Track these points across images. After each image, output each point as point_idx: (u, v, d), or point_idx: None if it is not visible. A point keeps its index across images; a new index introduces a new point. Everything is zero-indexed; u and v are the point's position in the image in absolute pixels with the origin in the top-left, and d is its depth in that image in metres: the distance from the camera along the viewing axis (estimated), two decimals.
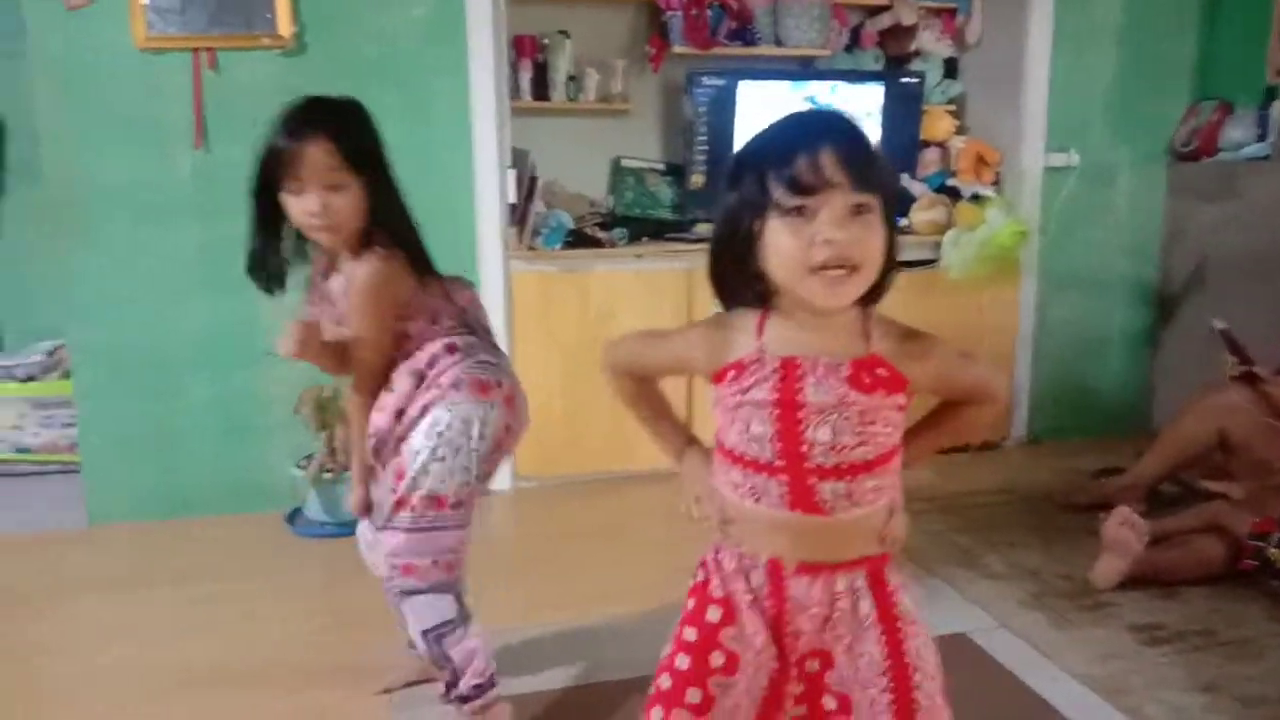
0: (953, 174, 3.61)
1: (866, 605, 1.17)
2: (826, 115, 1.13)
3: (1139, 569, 2.43)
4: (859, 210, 1.06)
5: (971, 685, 2.06)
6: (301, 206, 1.65)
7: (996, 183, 3.60)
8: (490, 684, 1.82)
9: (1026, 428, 3.68)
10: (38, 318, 3.51)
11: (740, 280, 1.13)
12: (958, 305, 3.45)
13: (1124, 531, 2.43)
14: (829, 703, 1.18)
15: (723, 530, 1.21)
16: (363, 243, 1.71)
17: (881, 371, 1.12)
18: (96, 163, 2.83)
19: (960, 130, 3.67)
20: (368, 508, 1.83)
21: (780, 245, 1.07)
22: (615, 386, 1.34)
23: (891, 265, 1.11)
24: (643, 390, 1.34)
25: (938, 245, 3.41)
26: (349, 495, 1.88)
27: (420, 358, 1.75)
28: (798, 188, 1.05)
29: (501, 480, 3.22)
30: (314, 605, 2.44)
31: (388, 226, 1.72)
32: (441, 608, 1.78)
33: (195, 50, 2.81)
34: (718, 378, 1.15)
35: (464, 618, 1.80)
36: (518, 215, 3.10)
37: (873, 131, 3.42)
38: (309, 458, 2.90)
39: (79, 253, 2.86)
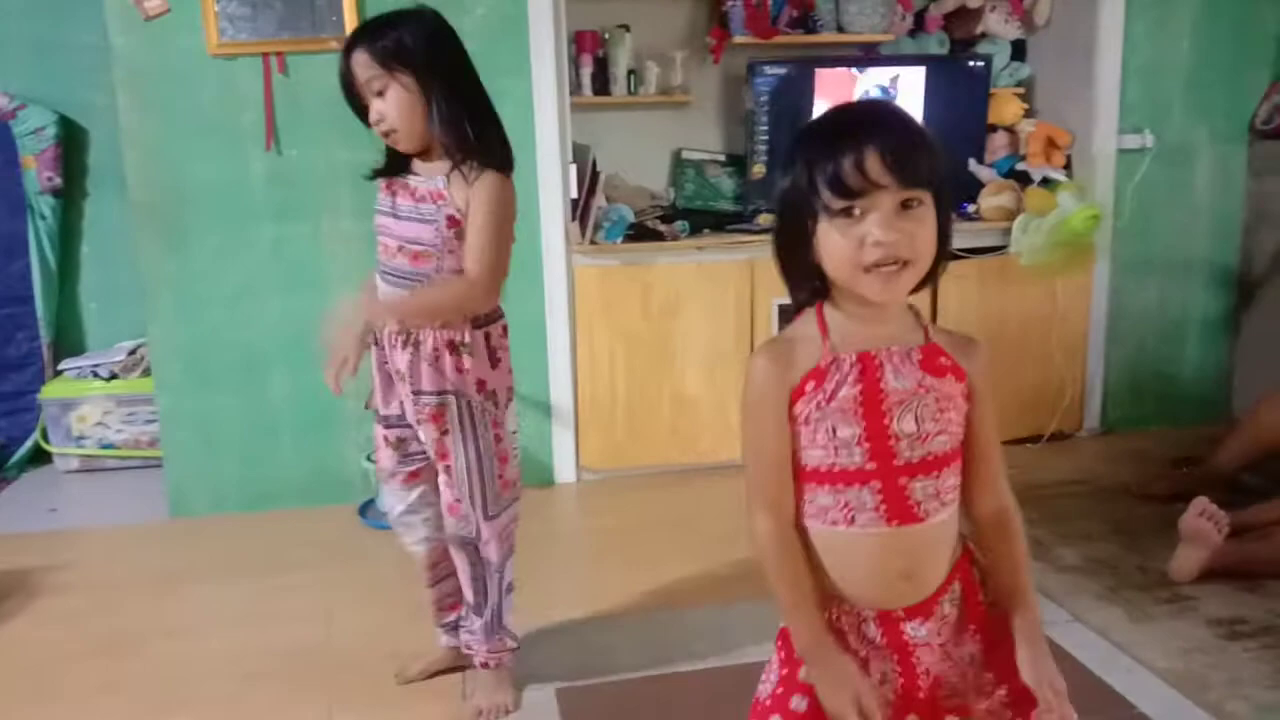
0: (1022, 158, 3.53)
1: (957, 611, 1.17)
2: (872, 110, 1.13)
3: (1219, 561, 2.36)
4: (908, 205, 1.06)
5: None
6: (370, 118, 1.74)
7: (1068, 166, 3.52)
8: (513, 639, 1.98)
9: (1100, 417, 3.59)
10: (120, 318, 3.63)
11: (800, 272, 1.14)
12: (1029, 293, 3.38)
13: (1203, 523, 2.36)
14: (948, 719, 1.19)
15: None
16: (459, 159, 1.73)
17: (944, 360, 1.14)
18: (175, 166, 2.92)
19: (1029, 113, 3.59)
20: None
21: (831, 246, 1.08)
22: (770, 552, 1.14)
23: (944, 254, 1.11)
24: (792, 547, 1.16)
25: (1007, 232, 3.34)
26: (344, 316, 1.82)
27: (493, 333, 1.84)
28: (844, 190, 1.05)
29: (565, 473, 3.25)
30: (387, 596, 2.49)
31: (456, 129, 1.72)
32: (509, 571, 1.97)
33: (265, 55, 2.88)
34: (796, 395, 1.12)
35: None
36: (579, 210, 3.12)
37: (934, 117, 3.37)
38: None
39: (159, 254, 2.96)
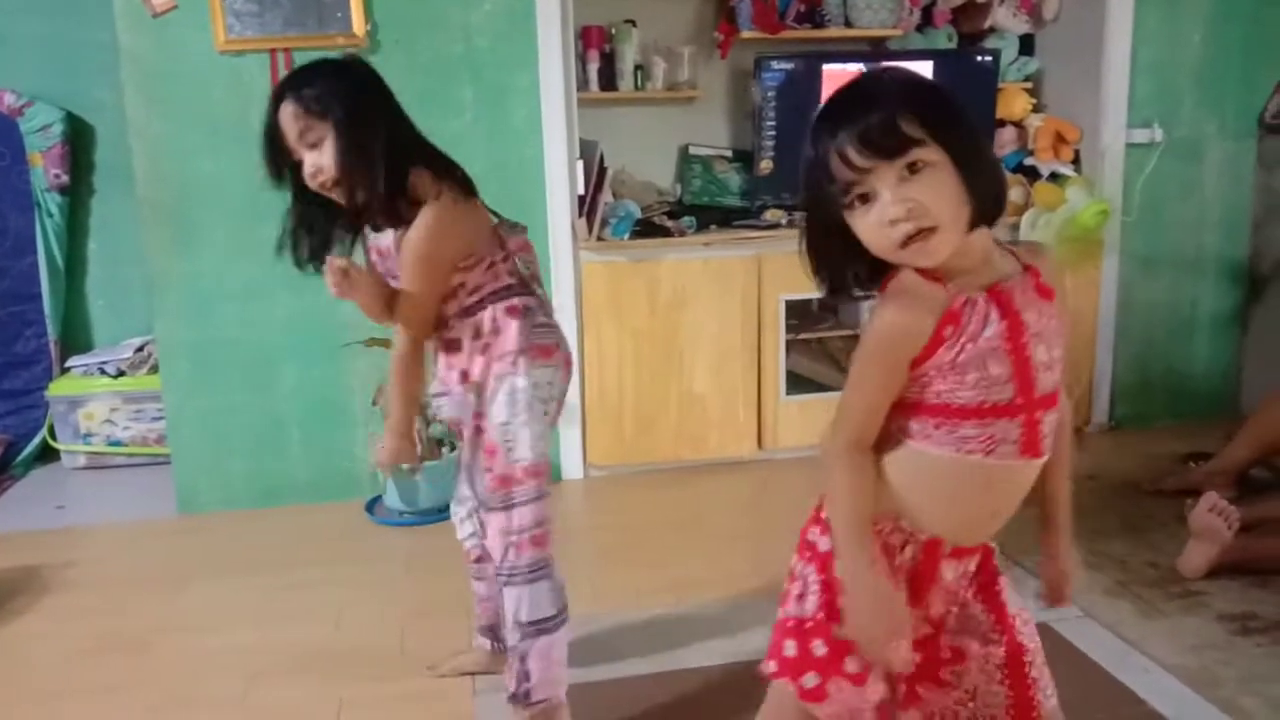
0: (1030, 153, 3.52)
1: (970, 575, 1.23)
2: (846, 95, 1.10)
3: (1229, 556, 2.35)
4: (913, 169, 1.05)
5: (1055, 675, 2.03)
6: (304, 173, 1.64)
7: (1076, 161, 3.50)
8: (558, 697, 1.82)
9: (1109, 413, 3.58)
10: (128, 315, 3.64)
11: (844, 260, 1.13)
12: None
13: (1213, 518, 2.35)
14: (944, 653, 1.22)
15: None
16: (410, 199, 1.66)
17: (1043, 280, 1.13)
18: (183, 163, 2.92)
19: (1037, 108, 3.58)
20: (401, 456, 1.85)
21: (864, 234, 1.09)
22: (847, 485, 1.15)
23: (988, 188, 1.08)
24: (869, 479, 1.16)
25: (1015, 227, 3.33)
26: (378, 447, 1.88)
27: (483, 320, 1.74)
28: (844, 185, 1.07)
29: (573, 469, 3.24)
30: (396, 592, 2.49)
31: (401, 165, 1.65)
32: (552, 598, 1.80)
33: (273, 51, 2.88)
34: (934, 343, 1.09)
35: (564, 616, 1.82)
36: (586, 206, 3.11)
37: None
38: None
39: (166, 251, 2.96)
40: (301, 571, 2.65)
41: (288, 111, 1.62)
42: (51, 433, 3.51)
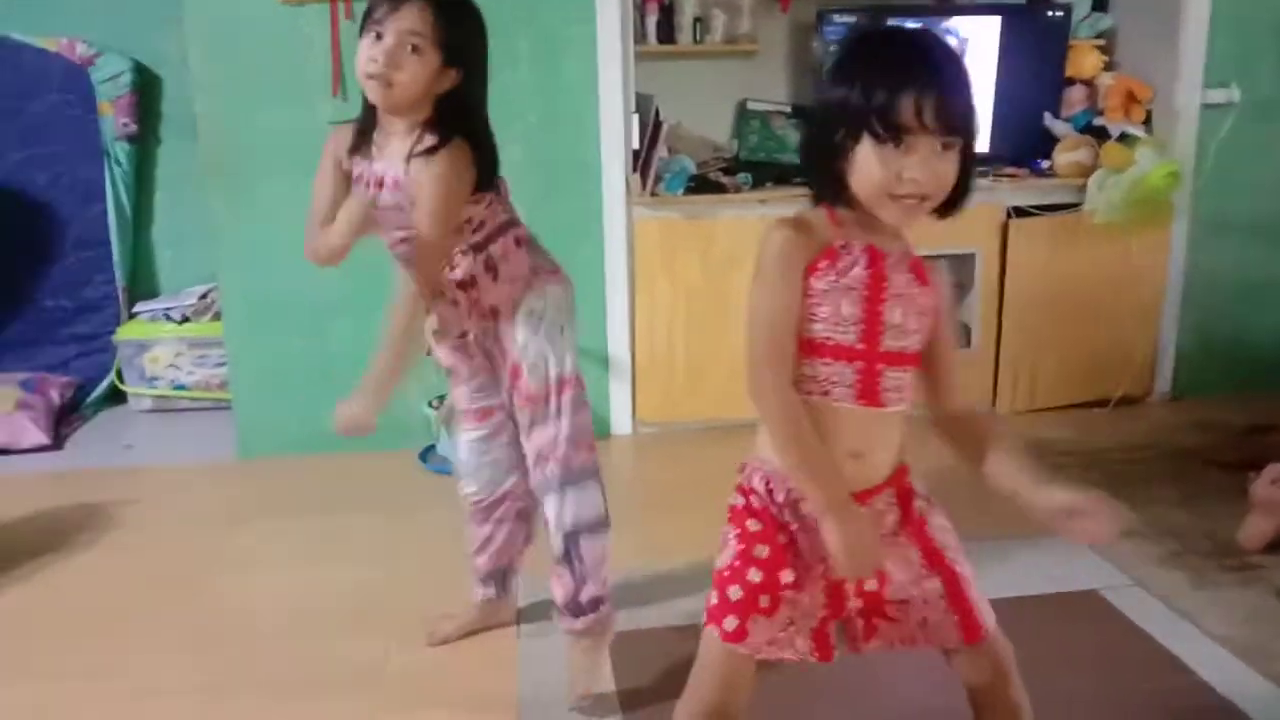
0: (1100, 113, 3.41)
1: (894, 516, 1.31)
2: (930, 51, 1.20)
3: None
4: (945, 148, 1.17)
5: (1101, 642, 2.02)
6: (370, 51, 1.62)
7: (1147, 122, 3.39)
8: (607, 599, 1.88)
9: (1171, 382, 3.49)
10: (192, 263, 3.71)
11: (825, 177, 1.23)
12: (1102, 252, 3.28)
13: (1275, 491, 2.30)
14: (890, 610, 1.32)
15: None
16: (429, 127, 1.67)
17: (926, 273, 1.28)
18: (245, 115, 2.96)
19: (1109, 66, 3.46)
20: (362, 424, 1.74)
21: (868, 169, 1.18)
22: (779, 408, 1.23)
23: (965, 191, 1.22)
24: (799, 405, 1.24)
25: (1082, 189, 3.25)
26: (341, 407, 1.75)
27: (493, 252, 1.78)
28: (896, 127, 1.15)
29: (622, 425, 3.26)
30: (443, 539, 2.52)
31: (460, 120, 1.69)
32: (598, 501, 1.86)
33: (333, 2, 2.89)
34: (810, 269, 1.22)
35: (606, 526, 1.87)
36: (640, 161, 3.10)
37: (1009, 69, 3.28)
38: (441, 398, 3.01)
39: (229, 201, 3.02)
40: (353, 516, 2.71)
41: (419, 9, 1.61)
42: (119, 376, 3.62)
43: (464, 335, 1.88)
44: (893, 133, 1.15)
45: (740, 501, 1.35)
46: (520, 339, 1.80)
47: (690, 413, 3.25)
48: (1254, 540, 2.33)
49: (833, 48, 3.22)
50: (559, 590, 1.87)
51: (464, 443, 1.99)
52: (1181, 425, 3.22)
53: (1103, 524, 1.21)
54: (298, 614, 2.22)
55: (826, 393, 1.24)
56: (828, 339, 1.23)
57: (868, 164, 1.17)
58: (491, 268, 1.79)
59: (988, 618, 1.33)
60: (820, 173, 1.24)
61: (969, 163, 1.21)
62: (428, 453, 3.08)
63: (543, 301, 1.81)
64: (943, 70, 1.18)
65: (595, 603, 1.87)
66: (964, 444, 1.33)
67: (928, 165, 1.16)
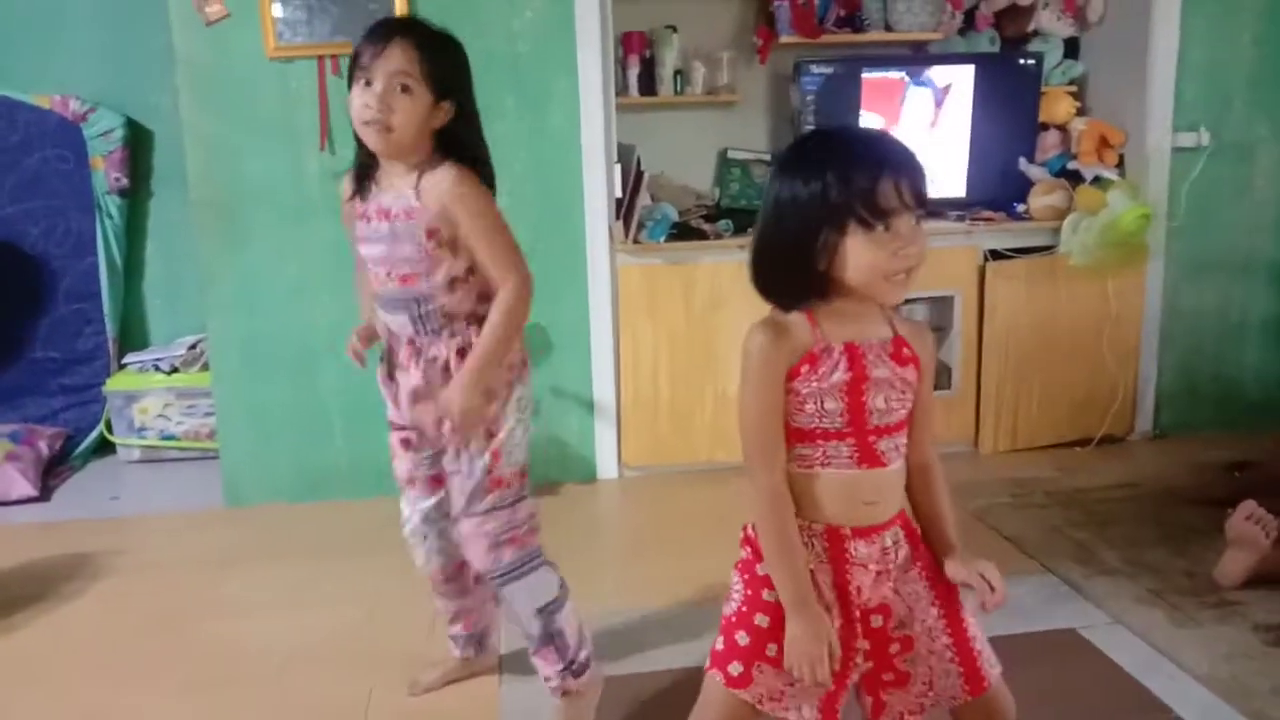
0: (1073, 157, 3.48)
1: (904, 552, 1.36)
2: (889, 141, 1.29)
3: (1267, 566, 2.31)
4: (917, 221, 1.26)
5: (1080, 681, 2.03)
6: (363, 98, 1.64)
7: (1120, 165, 3.46)
8: (592, 655, 1.89)
9: (1153, 421, 3.53)
10: (182, 314, 3.75)
11: (800, 281, 1.28)
12: (1080, 293, 3.34)
13: (1251, 526, 2.31)
14: (894, 648, 1.35)
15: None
16: (431, 164, 1.69)
17: (907, 351, 1.34)
18: (234, 166, 3.02)
19: (1081, 112, 3.54)
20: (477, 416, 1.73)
21: (863, 256, 1.24)
22: (768, 503, 1.30)
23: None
24: (786, 501, 1.32)
25: (1057, 231, 3.31)
26: (456, 399, 1.70)
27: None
28: (883, 211, 1.22)
29: (608, 469, 3.28)
30: (426, 586, 2.53)
31: (459, 156, 1.70)
32: (550, 581, 1.84)
33: (320, 57, 2.96)
34: (793, 372, 1.29)
35: (567, 592, 1.86)
36: (623, 209, 3.15)
37: (984, 116, 3.37)
38: None
39: (219, 251, 3.06)
40: (339, 562, 2.72)
41: (403, 48, 1.63)
42: (109, 426, 3.63)
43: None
44: (880, 217, 1.22)
45: (746, 552, 1.38)
46: (509, 424, 1.77)
47: (675, 456, 3.27)
48: (1231, 577, 2.34)
49: (810, 98, 3.30)
50: (548, 664, 1.86)
51: (417, 513, 1.94)
52: (1163, 464, 3.24)
53: (991, 598, 1.32)
54: (285, 658, 2.22)
55: (827, 464, 1.31)
56: (816, 427, 1.30)
57: (860, 252, 1.24)
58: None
59: (992, 669, 1.37)
60: (796, 277, 1.28)
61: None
62: None
63: (525, 390, 1.80)
64: (902, 150, 1.26)
65: (586, 662, 1.87)
66: (916, 491, 1.40)
67: (915, 240, 1.24)
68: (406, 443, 1.89)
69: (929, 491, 1.40)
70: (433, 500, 1.90)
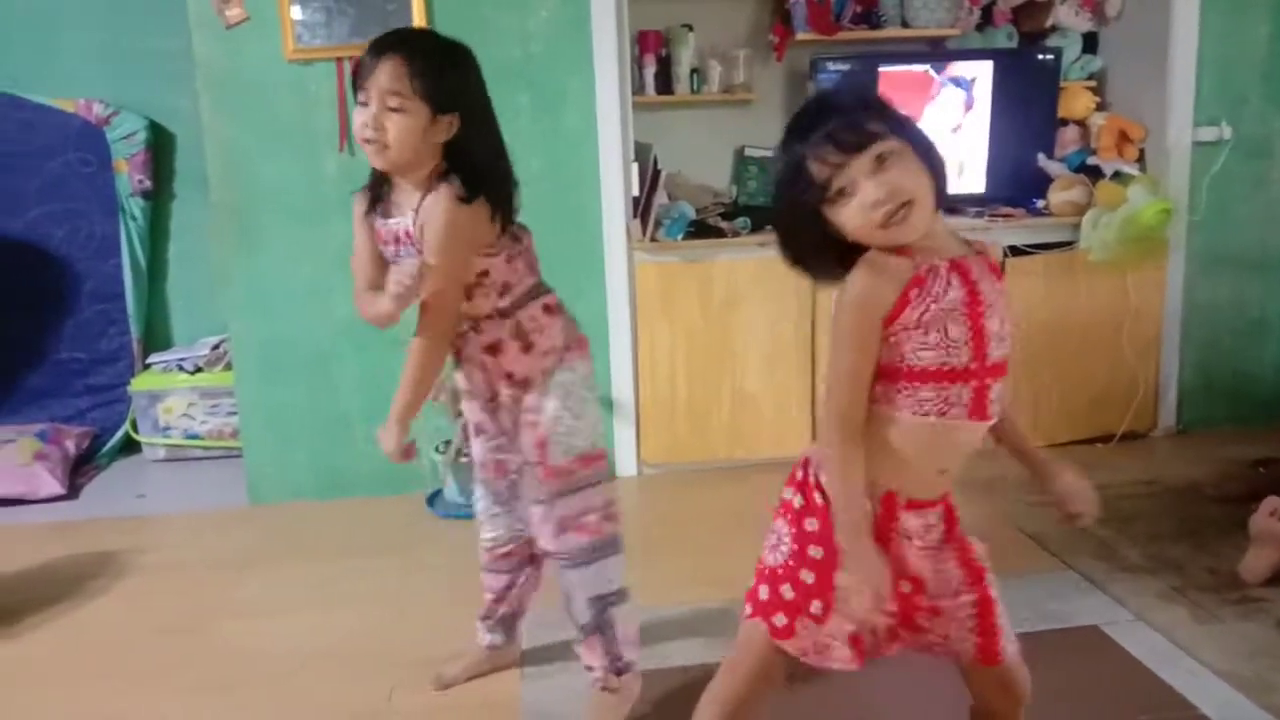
0: (1093, 152, 3.46)
1: (939, 532, 1.37)
2: (811, 109, 1.30)
3: None
4: (881, 160, 1.22)
5: (1102, 677, 2.03)
6: (361, 117, 1.65)
7: (1140, 160, 3.44)
8: (638, 664, 1.92)
9: (1175, 417, 3.51)
10: (205, 314, 3.78)
11: (821, 251, 1.30)
12: (1100, 288, 3.32)
13: (1273, 522, 2.31)
14: (920, 617, 1.37)
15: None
16: (437, 179, 1.69)
17: (994, 263, 1.32)
18: (254, 168, 3.05)
19: (1101, 107, 3.52)
20: (408, 453, 1.82)
21: (846, 221, 1.25)
22: (840, 462, 1.30)
23: (941, 176, 1.27)
24: (859, 458, 1.31)
25: (1077, 227, 3.29)
26: (385, 438, 1.80)
27: (522, 319, 1.78)
28: (824, 185, 1.23)
29: (627, 467, 3.29)
30: (452, 584, 2.55)
31: (468, 168, 1.68)
32: (616, 574, 1.88)
33: (339, 59, 2.99)
34: (900, 304, 1.24)
35: (628, 592, 1.91)
36: (640, 208, 3.16)
37: (1002, 112, 3.34)
38: (447, 443, 3.05)
39: (240, 252, 3.09)
40: (360, 560, 2.74)
41: (390, 66, 1.63)
42: (134, 426, 3.67)
43: (494, 399, 1.86)
44: (824, 185, 1.23)
45: (798, 500, 1.36)
46: (551, 411, 1.80)
47: (694, 454, 3.28)
48: (1254, 573, 2.33)
49: None
50: (592, 656, 1.90)
51: (489, 495, 2.00)
52: (1185, 460, 3.23)
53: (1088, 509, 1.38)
54: (305, 657, 2.25)
55: (944, 413, 1.27)
56: (943, 364, 1.25)
57: (842, 218, 1.25)
58: (522, 335, 1.79)
59: (1009, 646, 1.38)
60: (816, 252, 1.31)
61: (929, 145, 1.27)
62: (435, 498, 3.12)
63: (574, 375, 1.82)
64: (824, 113, 1.26)
65: (629, 665, 1.91)
66: (1002, 432, 1.39)
67: (879, 183, 1.21)
68: (478, 429, 1.95)
69: (1013, 427, 1.41)
70: (504, 482, 1.96)
